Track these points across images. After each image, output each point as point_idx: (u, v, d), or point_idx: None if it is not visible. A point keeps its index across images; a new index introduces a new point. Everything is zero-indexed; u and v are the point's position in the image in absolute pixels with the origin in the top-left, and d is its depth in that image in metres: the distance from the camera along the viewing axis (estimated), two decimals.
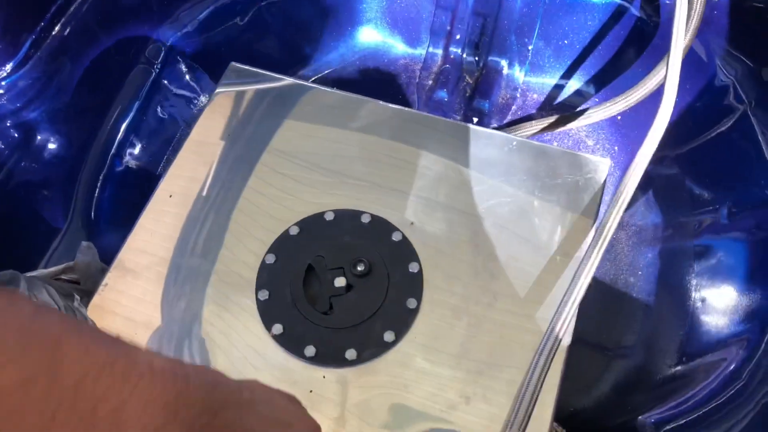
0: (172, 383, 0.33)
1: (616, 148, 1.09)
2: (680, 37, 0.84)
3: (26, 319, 0.29)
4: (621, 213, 0.70)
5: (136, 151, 1.00)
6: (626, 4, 1.04)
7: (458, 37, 1.16)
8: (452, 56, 1.17)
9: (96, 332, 0.32)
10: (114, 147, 0.97)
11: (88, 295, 0.75)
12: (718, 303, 0.87)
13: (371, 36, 1.20)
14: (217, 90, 0.85)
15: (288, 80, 0.87)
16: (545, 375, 0.60)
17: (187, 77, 1.06)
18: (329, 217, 0.75)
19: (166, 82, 1.03)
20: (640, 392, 0.86)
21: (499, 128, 1.13)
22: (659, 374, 0.86)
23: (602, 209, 0.76)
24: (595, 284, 0.96)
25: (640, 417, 0.78)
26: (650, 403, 0.81)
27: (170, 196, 0.77)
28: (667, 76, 0.82)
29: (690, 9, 0.87)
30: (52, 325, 0.30)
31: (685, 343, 0.87)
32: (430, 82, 1.17)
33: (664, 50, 0.95)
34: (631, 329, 0.93)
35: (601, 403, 0.87)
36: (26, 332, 0.28)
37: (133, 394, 0.31)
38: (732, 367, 0.77)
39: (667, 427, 0.74)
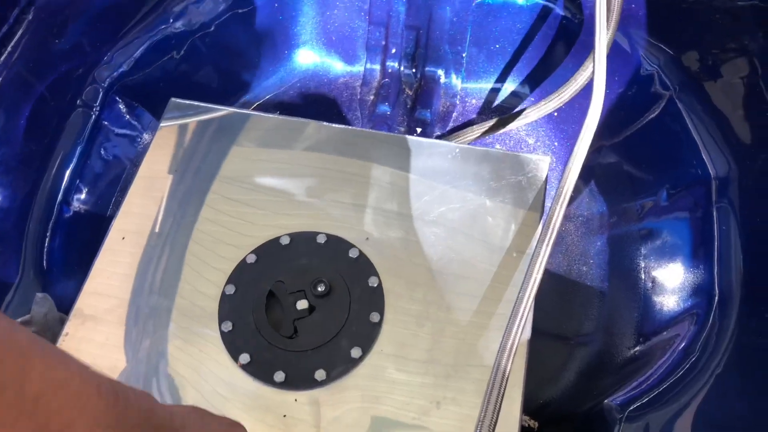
0: (114, 406, 0.36)
1: (556, 143, 1.13)
2: (603, 31, 0.88)
3: (3, 333, 0.30)
4: (565, 205, 0.73)
5: (83, 195, 0.99)
6: (550, 5, 1.08)
7: (394, 51, 1.18)
8: (390, 70, 1.19)
9: (57, 350, 0.35)
10: (60, 193, 0.95)
11: None
12: (667, 282, 0.91)
13: (309, 57, 1.21)
14: (161, 125, 0.86)
15: (228, 110, 0.88)
16: (509, 371, 0.62)
17: (128, 116, 1.05)
18: (285, 241, 0.76)
19: (106, 123, 1.02)
20: (603, 376, 0.89)
21: (442, 136, 1.15)
22: (620, 357, 0.90)
23: (547, 204, 0.79)
24: (550, 276, 0.99)
25: (606, 400, 0.81)
26: (614, 385, 0.84)
27: (123, 237, 0.77)
28: (595, 71, 0.86)
29: (609, 4, 0.91)
30: (23, 341, 0.32)
31: (640, 324, 0.90)
32: (372, 97, 1.19)
33: (590, 46, 0.99)
34: (589, 316, 0.96)
35: (568, 391, 0.90)
36: (2, 345, 0.30)
37: (81, 414, 0.33)
38: (685, 342, 0.80)
39: (632, 407, 0.77)
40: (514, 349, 0.63)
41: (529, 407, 0.67)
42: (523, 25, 1.13)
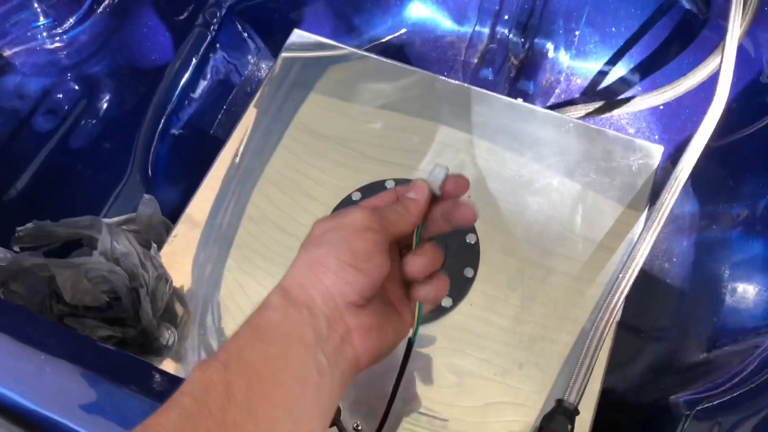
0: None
1: (656, 136, 1.11)
2: (736, 29, 0.86)
3: None
4: (674, 199, 0.73)
5: (191, 110, 1.02)
6: None
7: (506, 17, 1.17)
8: (499, 36, 1.18)
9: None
10: (170, 105, 0.98)
11: (148, 245, 0.78)
12: (752, 293, 0.90)
13: (420, 11, 1.21)
14: (282, 54, 0.87)
15: (349, 49, 0.89)
16: (603, 342, 0.63)
17: (241, 40, 1.07)
18: (389, 185, 0.77)
19: (221, 44, 1.04)
20: (672, 374, 0.89)
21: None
22: (692, 357, 0.89)
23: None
24: None
25: (671, 396, 0.81)
26: (683, 384, 0.84)
27: (236, 156, 0.80)
28: (722, 69, 0.84)
29: (746, 3, 0.89)
30: None
31: (718, 329, 0.89)
32: (476, 60, 1.19)
33: (712, 43, 0.97)
34: (665, 313, 0.95)
35: (634, 382, 0.90)
36: None
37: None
38: (765, 354, 0.80)
39: (700, 407, 0.77)
40: (609, 326, 0.64)
41: None
42: (644, 12, 1.10)
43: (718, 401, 0.78)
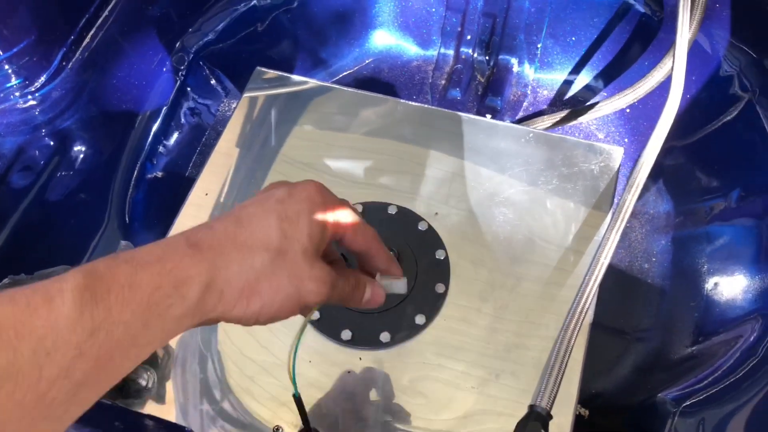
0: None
1: (626, 139, 1.13)
2: (685, 29, 0.88)
3: None
4: (636, 196, 0.74)
5: (165, 154, 1.04)
6: (631, 1, 1.08)
7: (469, 37, 1.20)
8: (463, 56, 1.21)
9: None
10: (144, 151, 1.01)
11: None
12: (731, 285, 0.91)
13: (384, 39, 1.24)
14: (245, 93, 0.89)
15: (312, 82, 0.91)
16: (572, 347, 0.64)
17: (210, 83, 1.10)
18: (358, 209, 0.79)
19: (190, 88, 1.07)
20: (658, 372, 0.89)
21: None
22: (677, 354, 0.90)
23: (616, 196, 0.80)
24: (612, 271, 0.99)
25: (659, 394, 0.81)
26: (669, 381, 0.84)
27: (206, 194, 0.81)
28: (674, 68, 0.86)
29: (693, 2, 0.91)
30: None
31: (700, 323, 0.90)
32: (443, 81, 1.21)
33: (669, 44, 0.99)
34: (648, 313, 0.96)
35: (621, 384, 0.91)
36: None
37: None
38: (747, 344, 0.80)
39: (687, 403, 0.77)
40: (577, 328, 0.65)
41: (580, 396, 0.68)
42: (601, 19, 1.12)
43: (704, 395, 0.78)
